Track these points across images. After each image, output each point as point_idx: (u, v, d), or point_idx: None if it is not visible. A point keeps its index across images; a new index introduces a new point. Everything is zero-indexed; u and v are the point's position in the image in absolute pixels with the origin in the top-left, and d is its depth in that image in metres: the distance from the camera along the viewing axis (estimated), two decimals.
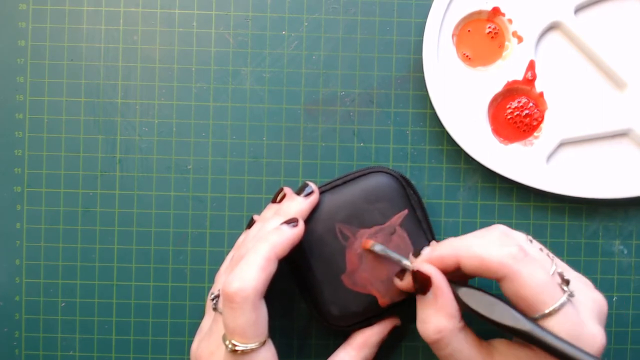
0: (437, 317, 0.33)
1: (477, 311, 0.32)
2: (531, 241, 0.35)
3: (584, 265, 0.42)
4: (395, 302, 0.38)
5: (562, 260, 0.35)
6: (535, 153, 0.41)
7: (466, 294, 0.33)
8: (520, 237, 0.35)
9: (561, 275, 0.32)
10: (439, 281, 0.33)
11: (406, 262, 0.35)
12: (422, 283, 0.33)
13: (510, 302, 0.32)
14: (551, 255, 0.35)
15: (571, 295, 0.31)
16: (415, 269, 0.34)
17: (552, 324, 0.30)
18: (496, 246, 0.32)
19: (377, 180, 0.39)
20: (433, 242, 0.37)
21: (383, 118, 0.42)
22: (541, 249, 0.34)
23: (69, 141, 0.42)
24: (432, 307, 0.33)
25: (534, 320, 0.31)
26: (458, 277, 0.34)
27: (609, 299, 0.41)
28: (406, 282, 0.36)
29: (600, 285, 0.42)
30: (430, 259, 0.34)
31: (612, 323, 0.42)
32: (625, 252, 0.42)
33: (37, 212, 0.42)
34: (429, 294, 0.33)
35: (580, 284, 0.33)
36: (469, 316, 0.33)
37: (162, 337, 0.42)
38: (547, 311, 0.30)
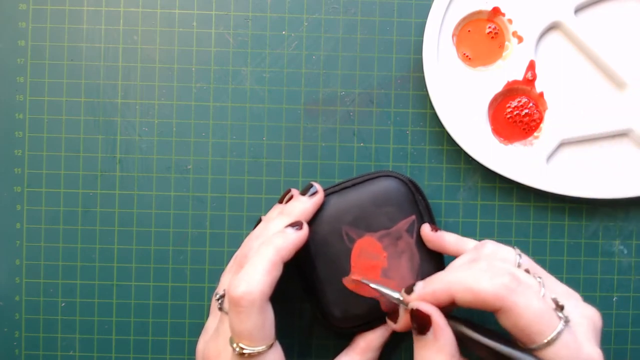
0: (438, 357, 0.31)
1: (485, 343, 0.31)
2: (520, 256, 0.35)
3: (584, 265, 0.42)
4: (397, 307, 0.38)
5: (546, 269, 0.35)
6: (535, 153, 0.41)
7: (470, 329, 0.32)
8: (509, 255, 0.34)
9: (555, 301, 0.31)
10: (439, 320, 0.32)
11: (397, 296, 0.34)
12: (422, 323, 0.32)
13: (508, 333, 0.31)
14: (539, 270, 0.34)
15: (567, 320, 0.31)
16: (415, 307, 0.33)
17: (551, 353, 0.30)
18: (488, 277, 0.31)
19: (386, 185, 0.38)
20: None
21: (383, 118, 0.42)
22: (527, 270, 0.33)
23: (69, 141, 0.42)
24: (432, 348, 0.32)
25: (533, 350, 0.30)
26: (449, 308, 0.33)
27: (609, 299, 0.41)
28: (402, 323, 0.35)
29: (600, 285, 0.42)
30: (424, 296, 0.33)
31: (612, 323, 0.42)
32: (625, 252, 0.42)
33: (37, 212, 0.42)
34: (429, 334, 0.32)
35: (572, 301, 0.33)
36: None
37: (162, 337, 0.42)
38: (545, 341, 0.30)
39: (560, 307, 0.31)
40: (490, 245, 0.35)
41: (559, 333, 0.30)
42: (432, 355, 0.32)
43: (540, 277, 0.33)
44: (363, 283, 0.37)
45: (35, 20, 0.42)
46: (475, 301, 0.31)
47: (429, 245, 0.38)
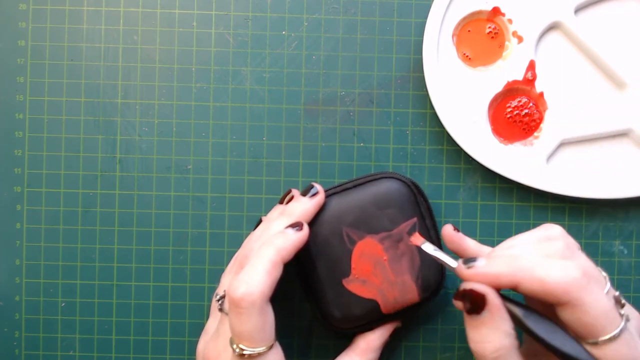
0: (494, 336, 0.31)
1: (538, 335, 0.31)
2: (581, 250, 0.34)
3: None
4: (397, 310, 0.38)
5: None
6: (535, 153, 0.41)
7: (526, 316, 0.31)
8: (574, 244, 0.34)
9: (617, 298, 0.31)
10: (495, 300, 0.31)
11: (454, 266, 0.33)
12: (476, 303, 0.31)
13: (565, 325, 0.31)
14: (598, 268, 0.34)
15: (628, 318, 0.30)
16: (468, 288, 0.32)
17: (610, 350, 0.30)
18: (561, 269, 0.30)
19: (388, 186, 0.38)
20: (487, 252, 0.35)
21: (383, 118, 0.42)
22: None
23: (69, 141, 0.42)
24: (487, 326, 0.31)
25: (592, 345, 0.30)
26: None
27: None
28: (461, 303, 0.34)
29: None
30: (485, 276, 0.31)
31: None
32: (625, 252, 0.42)
33: (37, 212, 0.42)
34: (484, 313, 0.31)
35: (626, 303, 0.33)
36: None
37: (162, 337, 0.42)
38: (606, 337, 0.30)
39: (622, 305, 0.31)
40: (559, 229, 0.34)
41: (622, 330, 0.30)
42: (488, 333, 0.31)
43: (605, 273, 0.33)
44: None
45: (35, 20, 0.42)
46: (542, 292, 0.30)
47: (449, 245, 0.36)
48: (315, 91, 0.42)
